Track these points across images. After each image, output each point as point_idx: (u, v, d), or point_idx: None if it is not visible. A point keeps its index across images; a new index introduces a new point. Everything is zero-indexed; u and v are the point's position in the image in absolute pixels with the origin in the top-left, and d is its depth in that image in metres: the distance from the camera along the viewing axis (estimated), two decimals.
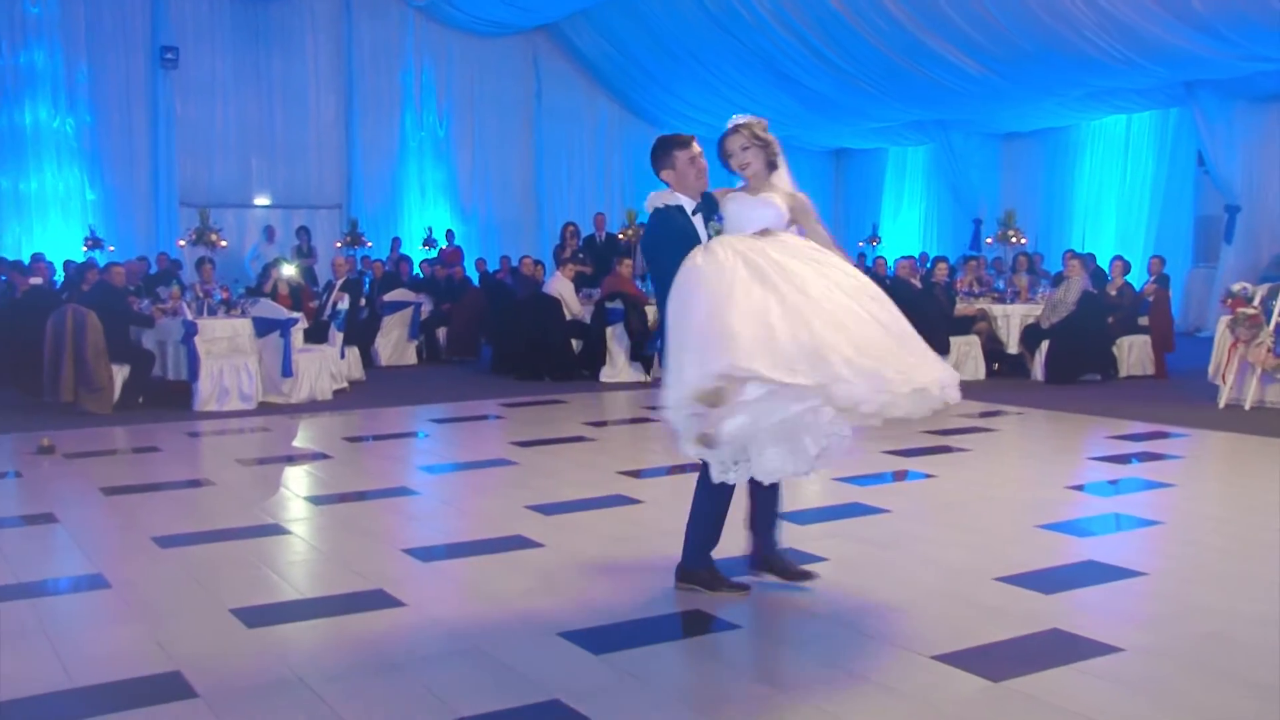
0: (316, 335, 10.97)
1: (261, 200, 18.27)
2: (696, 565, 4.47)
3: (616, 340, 11.74)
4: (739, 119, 4.33)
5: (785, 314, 3.82)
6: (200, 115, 17.66)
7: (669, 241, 4.24)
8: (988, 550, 5.17)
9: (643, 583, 4.71)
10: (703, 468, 4.23)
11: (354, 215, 18.13)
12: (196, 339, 9.79)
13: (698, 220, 4.33)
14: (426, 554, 5.24)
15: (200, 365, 9.75)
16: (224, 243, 15.16)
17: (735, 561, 4.62)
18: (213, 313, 10.46)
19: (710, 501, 4.39)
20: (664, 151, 4.39)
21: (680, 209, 4.33)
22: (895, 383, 3.82)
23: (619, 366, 11.75)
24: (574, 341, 12.04)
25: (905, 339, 4.00)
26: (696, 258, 4.05)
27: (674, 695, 3.55)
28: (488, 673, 3.74)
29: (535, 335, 11.82)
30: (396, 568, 5.01)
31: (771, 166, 4.34)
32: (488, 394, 10.73)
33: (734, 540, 4.62)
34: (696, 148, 4.38)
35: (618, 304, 11.71)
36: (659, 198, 4.38)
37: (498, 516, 5.95)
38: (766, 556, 4.56)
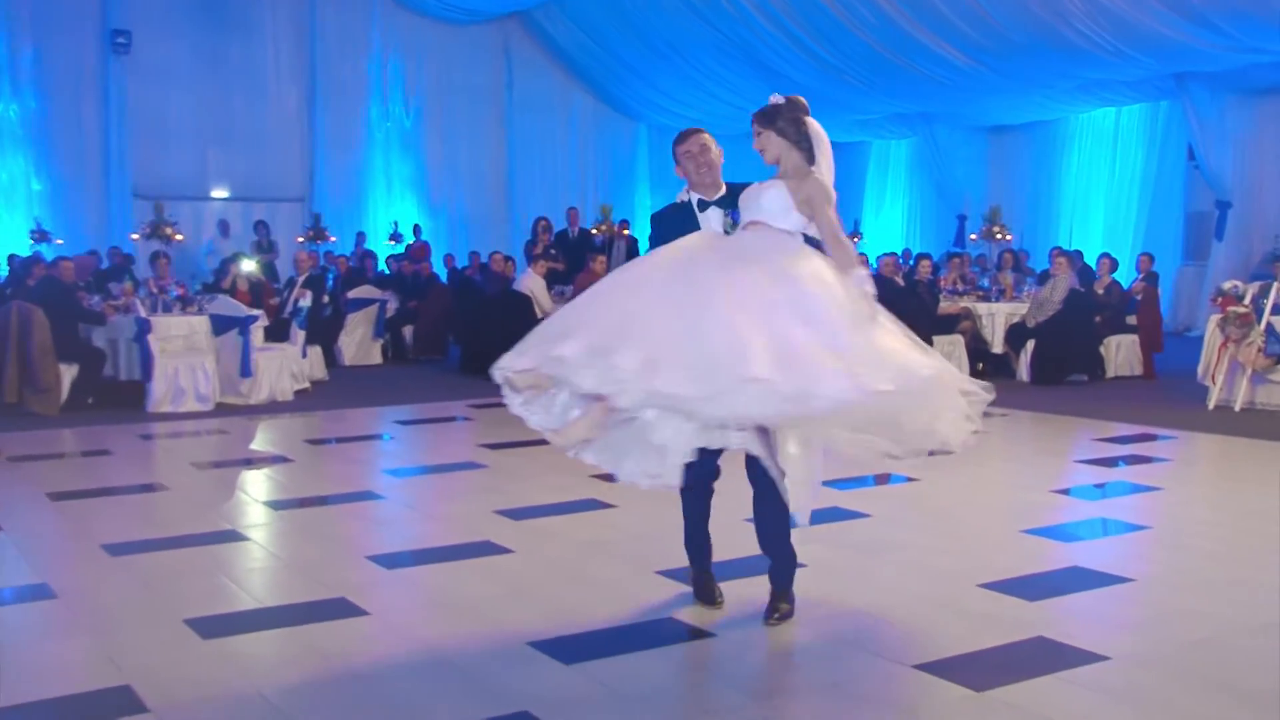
0: (277, 333, 10.90)
1: (219, 193, 18.14)
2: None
3: None
4: (775, 99, 4.21)
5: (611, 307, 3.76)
6: (154, 103, 17.45)
7: (655, 240, 4.27)
8: (971, 556, 5.19)
9: (616, 590, 4.71)
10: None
11: (317, 209, 18.03)
12: (150, 337, 9.70)
13: (713, 215, 4.25)
14: (391, 561, 5.21)
15: (154, 364, 9.67)
16: (180, 236, 15.06)
17: (729, 564, 4.62)
18: (168, 309, 10.37)
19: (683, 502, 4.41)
20: (672, 149, 4.40)
21: (683, 206, 4.30)
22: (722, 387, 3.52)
23: None
24: None
25: (847, 352, 3.61)
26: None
27: (647, 706, 3.55)
28: (454, 684, 3.72)
29: (505, 334, 11.60)
30: (360, 575, 4.98)
31: (806, 154, 4.14)
32: (455, 395, 10.70)
33: (734, 545, 4.61)
34: (697, 141, 4.31)
35: None
36: (680, 195, 4.40)
37: (465, 521, 5.93)
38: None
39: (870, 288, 3.84)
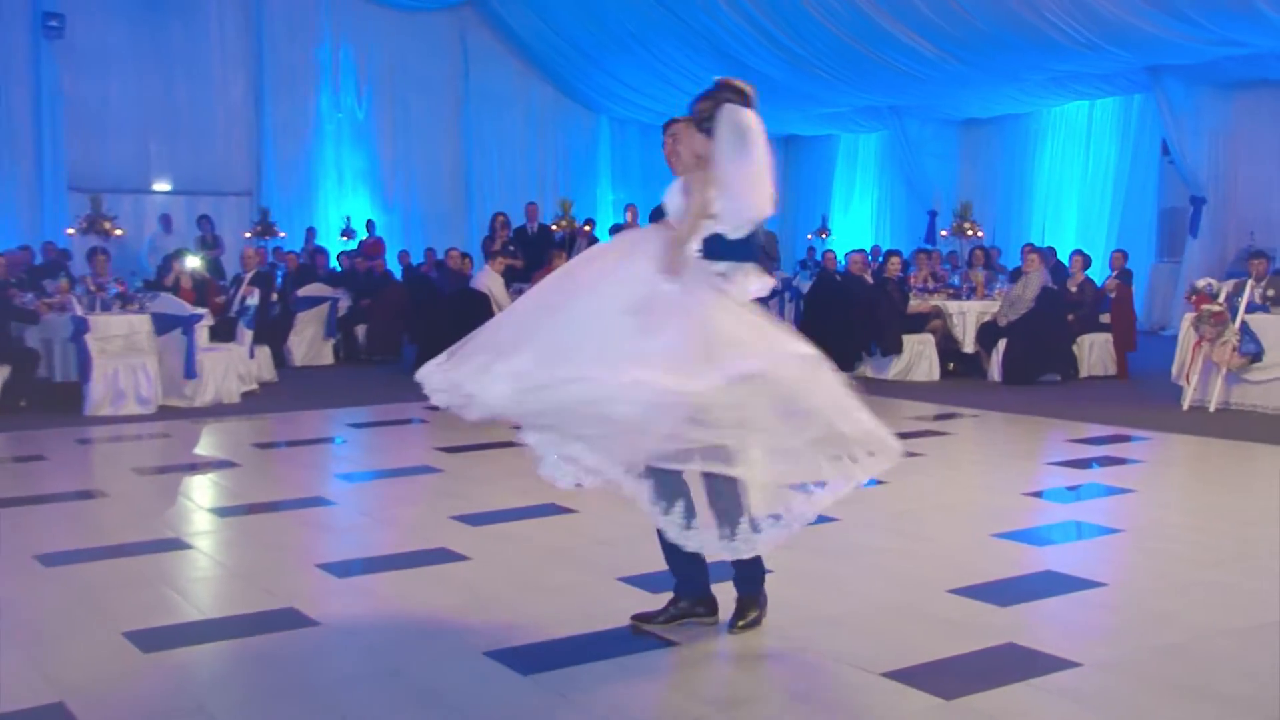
0: (223, 333, 10.82)
1: (161, 185, 17.94)
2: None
3: None
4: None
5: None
6: (90, 91, 17.22)
7: None
8: (941, 561, 5.23)
9: (576, 598, 4.71)
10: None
11: (265, 203, 17.87)
12: (88, 337, 9.60)
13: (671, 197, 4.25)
14: (343, 569, 5.19)
15: (92, 365, 9.57)
16: (119, 231, 14.87)
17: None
18: (106, 308, 10.26)
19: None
20: None
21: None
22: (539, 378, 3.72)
23: None
24: None
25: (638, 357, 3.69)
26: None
27: (606, 717, 3.55)
28: (409, 696, 3.71)
29: (462, 333, 11.70)
30: (310, 584, 4.96)
31: (706, 133, 4.06)
32: (410, 396, 10.58)
33: None
34: (670, 130, 4.25)
35: None
36: None
37: (420, 528, 5.92)
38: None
39: (756, 293, 3.99)
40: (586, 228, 15.40)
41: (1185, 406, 9.67)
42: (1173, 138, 16.37)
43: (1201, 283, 10.02)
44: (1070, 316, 11.85)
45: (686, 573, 4.25)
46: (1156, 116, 16.78)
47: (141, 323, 10.07)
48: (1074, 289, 12.34)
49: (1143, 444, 8.37)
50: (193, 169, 18.09)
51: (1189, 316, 9.89)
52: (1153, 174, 17.71)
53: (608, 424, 3.73)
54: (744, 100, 4.09)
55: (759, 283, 4.07)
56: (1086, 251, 13.23)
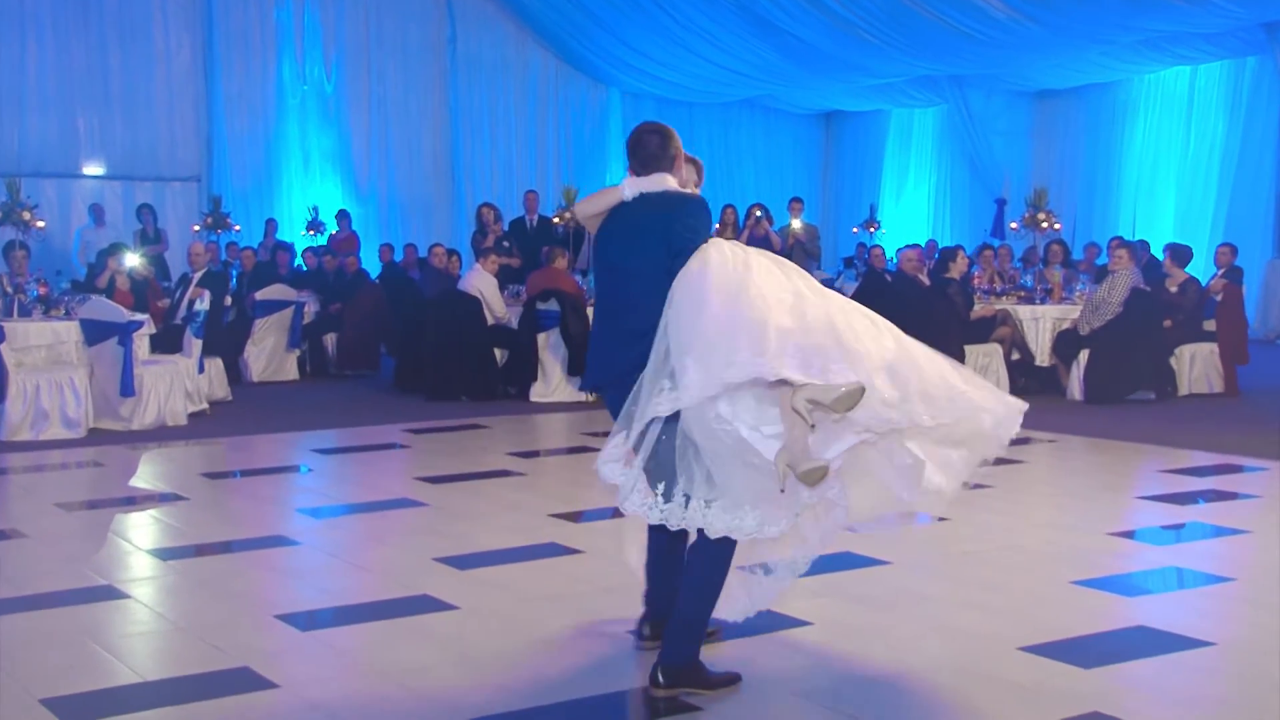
0: (167, 343, 10.86)
1: (93, 169, 18.03)
2: (688, 660, 4.27)
3: (550, 350, 11.73)
4: None
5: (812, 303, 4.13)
6: (7, 59, 17.29)
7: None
8: (1012, 613, 5.21)
9: (579, 654, 4.71)
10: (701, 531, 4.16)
11: (216, 191, 17.97)
12: (3, 347, 9.62)
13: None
14: (307, 621, 5.19)
15: (8, 381, 9.58)
16: (41, 223, 14.93)
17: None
18: (26, 313, 10.29)
19: (718, 568, 4.27)
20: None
21: None
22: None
23: (553, 383, 11.73)
24: (497, 351, 12.02)
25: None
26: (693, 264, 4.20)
27: None
28: None
29: (449, 343, 11.79)
30: (268, 639, 4.96)
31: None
32: (389, 417, 10.67)
33: None
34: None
35: (552, 305, 11.70)
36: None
37: (399, 572, 5.91)
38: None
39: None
40: None
41: None
42: None
43: None
44: (1167, 323, 11.80)
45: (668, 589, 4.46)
46: (1275, 83, 16.69)
47: (68, 331, 10.09)
48: (1174, 289, 12.27)
49: (1257, 475, 8.31)
50: (130, 150, 18.18)
51: None
52: (1269, 153, 17.61)
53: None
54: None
55: None
56: (1186, 245, 13.12)
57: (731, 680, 4.30)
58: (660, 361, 4.03)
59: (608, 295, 4.50)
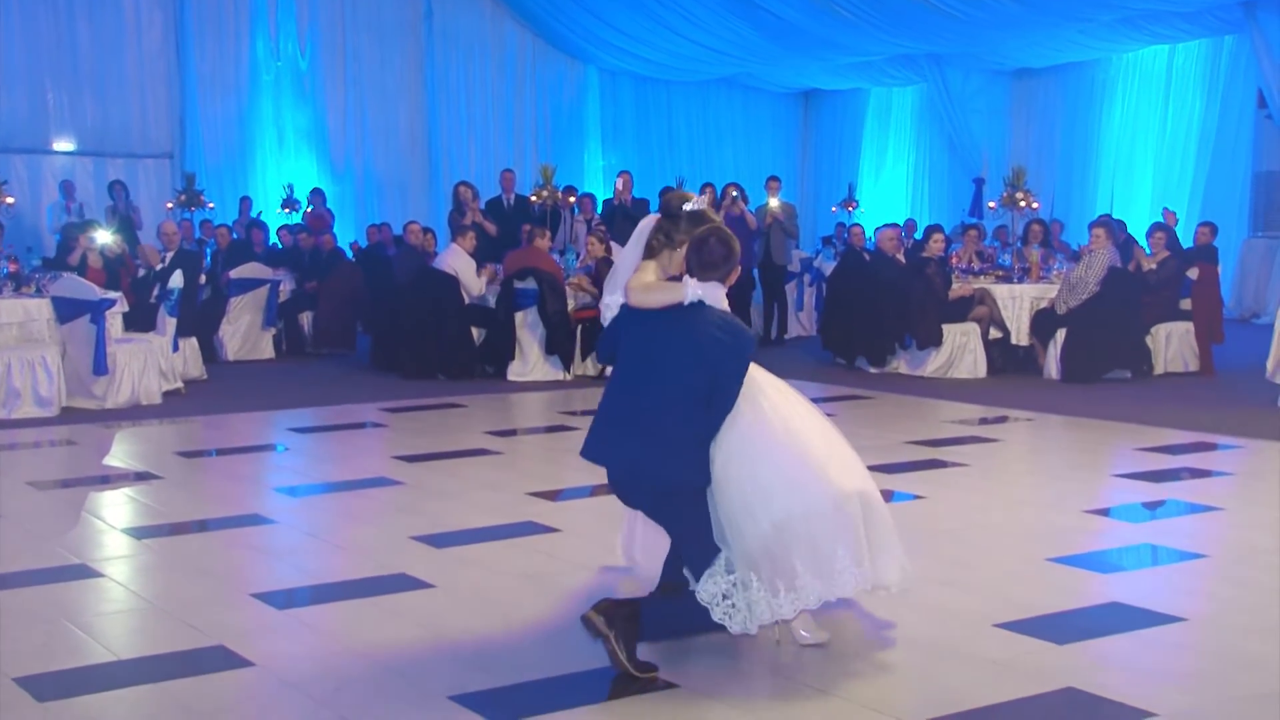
0: (141, 321, 10.81)
1: (63, 145, 17.89)
2: (644, 628, 4.32)
3: (528, 329, 11.71)
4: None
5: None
6: None
7: None
8: (988, 590, 5.24)
9: (557, 631, 4.72)
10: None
11: (189, 168, 17.85)
12: None
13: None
14: (284, 599, 5.19)
15: None
16: (11, 199, 14.86)
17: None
18: None
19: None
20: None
21: None
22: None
23: (531, 361, 11.72)
24: (474, 330, 12.01)
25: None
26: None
27: None
28: None
29: (425, 322, 11.77)
30: (243, 617, 4.96)
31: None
32: (365, 396, 10.65)
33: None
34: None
35: (530, 283, 11.69)
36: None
37: (376, 550, 5.92)
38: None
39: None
40: (570, 199, 15.38)
41: None
42: (1272, 88, 16.26)
43: None
44: (1144, 301, 11.81)
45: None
46: (1252, 62, 16.70)
47: (40, 309, 10.05)
48: (1154, 267, 12.25)
49: (1230, 453, 8.38)
50: (101, 126, 18.04)
51: None
52: (1246, 132, 17.66)
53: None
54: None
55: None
56: (1168, 221, 13.00)
57: (647, 670, 4.26)
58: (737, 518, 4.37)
59: (633, 376, 4.48)
